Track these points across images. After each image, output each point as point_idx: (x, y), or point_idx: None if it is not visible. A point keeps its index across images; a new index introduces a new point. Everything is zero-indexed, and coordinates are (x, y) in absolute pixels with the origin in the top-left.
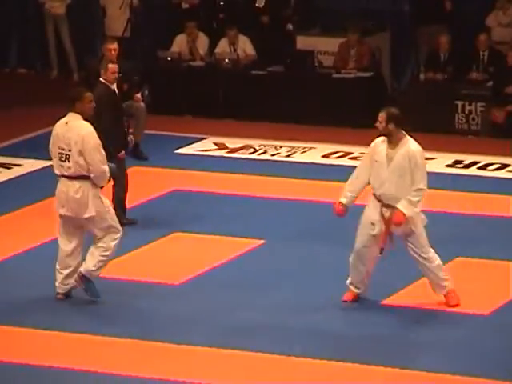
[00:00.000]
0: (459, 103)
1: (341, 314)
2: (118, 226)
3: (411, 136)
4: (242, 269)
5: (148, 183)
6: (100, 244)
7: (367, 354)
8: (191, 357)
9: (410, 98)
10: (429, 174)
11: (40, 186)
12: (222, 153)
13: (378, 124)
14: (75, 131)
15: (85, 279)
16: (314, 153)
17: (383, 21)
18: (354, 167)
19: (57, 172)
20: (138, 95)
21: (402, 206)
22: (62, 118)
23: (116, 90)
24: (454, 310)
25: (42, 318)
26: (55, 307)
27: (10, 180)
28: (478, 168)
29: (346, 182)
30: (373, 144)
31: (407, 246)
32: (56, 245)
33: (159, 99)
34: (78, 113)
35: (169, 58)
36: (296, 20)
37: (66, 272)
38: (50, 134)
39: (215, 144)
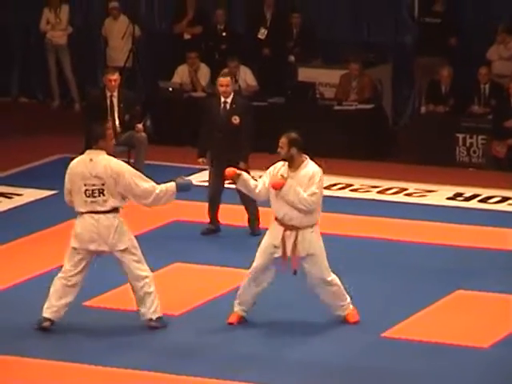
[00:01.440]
0: (460, 136)
1: (338, 346)
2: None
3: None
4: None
5: (148, 213)
6: (141, 276)
7: None
8: None
9: (412, 130)
10: (430, 206)
11: (41, 215)
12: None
13: (279, 149)
14: (104, 165)
15: (156, 321)
16: None
17: (385, 53)
18: (355, 199)
19: (81, 209)
20: (140, 125)
21: (290, 181)
22: (74, 157)
23: (226, 102)
24: (454, 342)
25: (39, 347)
26: (51, 337)
27: (10, 209)
28: (479, 201)
29: (347, 214)
30: (272, 168)
31: (305, 268)
32: (55, 274)
33: (160, 129)
34: (102, 149)
35: (170, 89)
36: (297, 52)
37: (63, 301)
38: (52, 163)
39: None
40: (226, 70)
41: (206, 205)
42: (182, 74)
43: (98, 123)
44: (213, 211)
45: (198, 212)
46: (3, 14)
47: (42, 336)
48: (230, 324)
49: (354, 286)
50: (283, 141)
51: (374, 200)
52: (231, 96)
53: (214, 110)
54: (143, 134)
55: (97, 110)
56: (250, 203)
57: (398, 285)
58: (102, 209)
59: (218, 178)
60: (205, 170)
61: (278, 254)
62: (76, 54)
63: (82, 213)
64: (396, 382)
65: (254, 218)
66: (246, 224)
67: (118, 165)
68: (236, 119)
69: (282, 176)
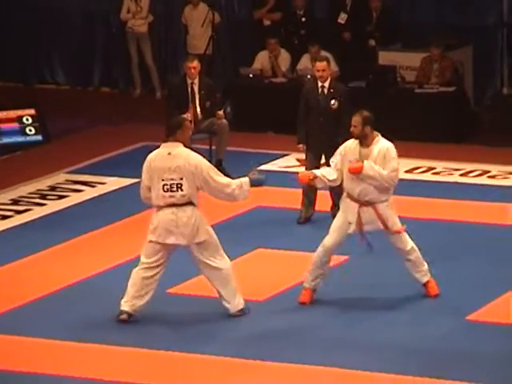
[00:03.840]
0: None
1: (423, 329)
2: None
3: None
4: (327, 285)
5: None
6: (219, 267)
7: (450, 370)
8: (281, 374)
9: (494, 112)
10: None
11: (124, 204)
12: (304, 169)
13: (353, 129)
14: (184, 159)
15: (240, 312)
16: None
17: (466, 35)
18: (438, 182)
19: (160, 203)
20: (221, 112)
21: (368, 163)
22: (157, 146)
23: (323, 87)
24: None
25: (124, 336)
26: (135, 325)
27: (94, 198)
28: None
29: (429, 197)
30: (342, 147)
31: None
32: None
33: (241, 116)
34: (179, 141)
35: (251, 75)
36: (378, 35)
37: (141, 294)
38: (134, 151)
39: (298, 160)
40: (322, 55)
41: (291, 190)
42: (262, 60)
43: (175, 114)
44: (310, 196)
45: (281, 198)
46: (84, 4)
47: (124, 324)
48: (302, 304)
49: (438, 268)
50: (357, 119)
51: (456, 183)
52: (328, 80)
53: (312, 94)
54: (224, 121)
55: (178, 97)
56: (336, 189)
57: (483, 268)
58: (180, 202)
59: (315, 162)
60: (287, 155)
61: (352, 230)
62: (157, 42)
63: (161, 206)
64: (481, 365)
65: (338, 204)
66: (329, 210)
67: (196, 158)
68: (334, 104)
69: (357, 161)
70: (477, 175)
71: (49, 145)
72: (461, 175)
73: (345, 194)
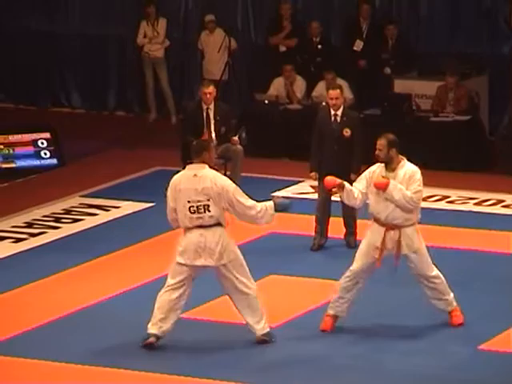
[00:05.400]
0: None
1: (435, 357)
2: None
3: None
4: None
5: (245, 226)
6: (245, 290)
7: None
8: None
9: (509, 142)
10: None
11: (138, 228)
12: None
13: (378, 152)
14: (210, 181)
15: (265, 336)
16: None
17: (481, 64)
18: (452, 211)
19: (188, 225)
20: (235, 138)
21: (393, 182)
22: (176, 173)
23: (336, 115)
24: None
25: (142, 361)
26: (152, 350)
27: (108, 222)
28: None
29: (443, 225)
30: (367, 172)
31: (409, 266)
32: (152, 286)
33: (256, 142)
34: (205, 163)
35: (266, 101)
36: (393, 63)
37: (169, 317)
38: (149, 176)
39: (312, 187)
40: (336, 83)
41: (304, 217)
42: (277, 87)
43: (190, 140)
44: (322, 224)
45: (294, 224)
46: (100, 28)
47: (141, 348)
48: (324, 331)
49: None
50: (382, 143)
51: (471, 212)
52: (341, 108)
53: (326, 122)
54: (239, 147)
55: (193, 122)
56: (350, 217)
57: (496, 297)
58: (208, 224)
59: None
60: (301, 182)
61: (378, 254)
62: (173, 67)
63: (189, 228)
64: None
65: (351, 232)
66: (343, 237)
67: (223, 179)
68: (347, 132)
69: (383, 177)
70: (491, 204)
71: (63, 168)
72: (475, 204)
73: (372, 219)
